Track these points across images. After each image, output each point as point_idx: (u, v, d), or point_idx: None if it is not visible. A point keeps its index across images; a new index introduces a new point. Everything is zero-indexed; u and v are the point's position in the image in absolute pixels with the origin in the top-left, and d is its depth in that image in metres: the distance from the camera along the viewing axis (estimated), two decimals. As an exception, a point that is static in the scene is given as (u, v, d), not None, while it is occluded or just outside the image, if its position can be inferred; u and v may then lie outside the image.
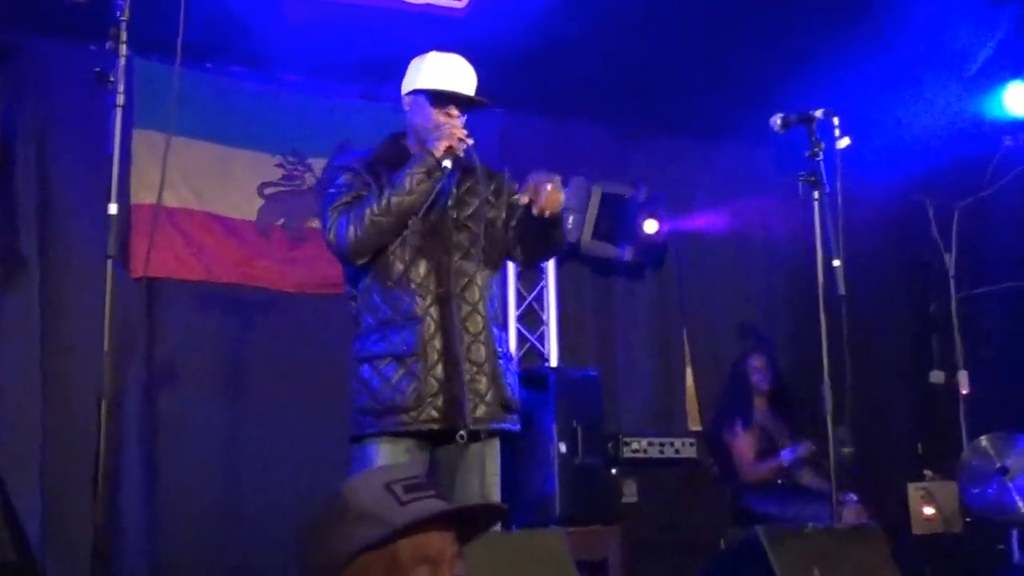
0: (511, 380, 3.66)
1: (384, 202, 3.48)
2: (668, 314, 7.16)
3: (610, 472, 5.79)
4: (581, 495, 5.54)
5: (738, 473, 6.42)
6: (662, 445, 6.08)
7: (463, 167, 3.65)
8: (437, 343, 3.50)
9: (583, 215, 6.68)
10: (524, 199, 3.49)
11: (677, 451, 6.12)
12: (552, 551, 2.98)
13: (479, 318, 3.59)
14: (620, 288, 7.08)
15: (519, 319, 6.62)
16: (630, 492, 5.85)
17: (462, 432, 3.46)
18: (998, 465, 6.22)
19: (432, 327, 3.51)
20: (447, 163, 3.50)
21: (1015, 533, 6.02)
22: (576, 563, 5.25)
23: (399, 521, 1.65)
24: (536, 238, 3.66)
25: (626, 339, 7.03)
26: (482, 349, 3.56)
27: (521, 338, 6.63)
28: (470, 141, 3.55)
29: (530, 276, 6.64)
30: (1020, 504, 6.03)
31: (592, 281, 7.01)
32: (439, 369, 3.49)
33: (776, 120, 4.49)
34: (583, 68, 5.92)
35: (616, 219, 6.78)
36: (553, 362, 6.58)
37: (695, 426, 6.98)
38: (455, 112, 3.62)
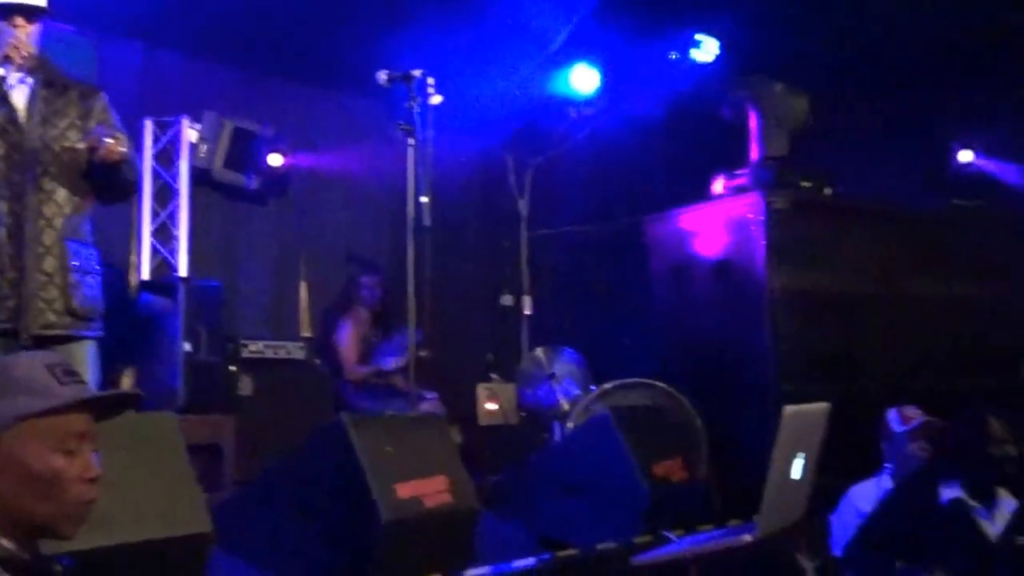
0: (88, 292, 3.56)
1: None
2: (287, 237, 7.21)
3: (228, 369, 5.83)
4: (201, 388, 5.55)
5: (342, 373, 6.62)
6: (276, 348, 6.19)
7: (51, 85, 3.52)
8: (8, 251, 3.38)
9: (215, 145, 6.63)
10: (83, 145, 3.44)
11: (289, 353, 6.23)
12: (165, 433, 3.00)
13: (53, 233, 3.46)
14: (246, 212, 7.07)
15: (153, 234, 6.47)
16: (246, 387, 5.92)
17: (26, 335, 3.37)
18: (548, 372, 6.64)
19: (5, 236, 3.39)
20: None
21: (556, 424, 6.48)
22: (195, 446, 5.30)
23: (62, 397, 1.77)
24: (97, 180, 3.56)
25: (249, 256, 7.05)
26: (53, 261, 3.45)
27: (155, 251, 6.50)
28: (31, 50, 3.44)
29: (165, 196, 6.51)
30: (562, 402, 6.45)
31: (221, 204, 6.95)
32: (10, 275, 3.38)
33: (382, 75, 4.65)
34: (219, 9, 5.82)
35: (245, 152, 6.76)
36: (182, 273, 6.49)
37: (307, 332, 7.09)
38: (20, 22, 3.46)
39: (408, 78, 4.57)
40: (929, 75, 6.94)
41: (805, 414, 2.85)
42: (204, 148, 6.51)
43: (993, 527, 3.95)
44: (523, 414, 6.88)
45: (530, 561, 3.69)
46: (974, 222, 6.70)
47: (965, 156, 7.09)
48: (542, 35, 6.70)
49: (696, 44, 6.65)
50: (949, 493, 4.03)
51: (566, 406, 6.31)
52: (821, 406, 2.89)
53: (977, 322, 6.44)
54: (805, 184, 5.96)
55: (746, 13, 6.22)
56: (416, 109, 4.56)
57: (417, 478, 3.50)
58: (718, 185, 6.12)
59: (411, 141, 4.58)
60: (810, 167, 6.09)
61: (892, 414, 4.81)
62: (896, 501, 4.32)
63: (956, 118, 7.23)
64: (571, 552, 3.89)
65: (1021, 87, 7.10)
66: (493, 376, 7.34)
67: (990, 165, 7.10)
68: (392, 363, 6.48)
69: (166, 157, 6.54)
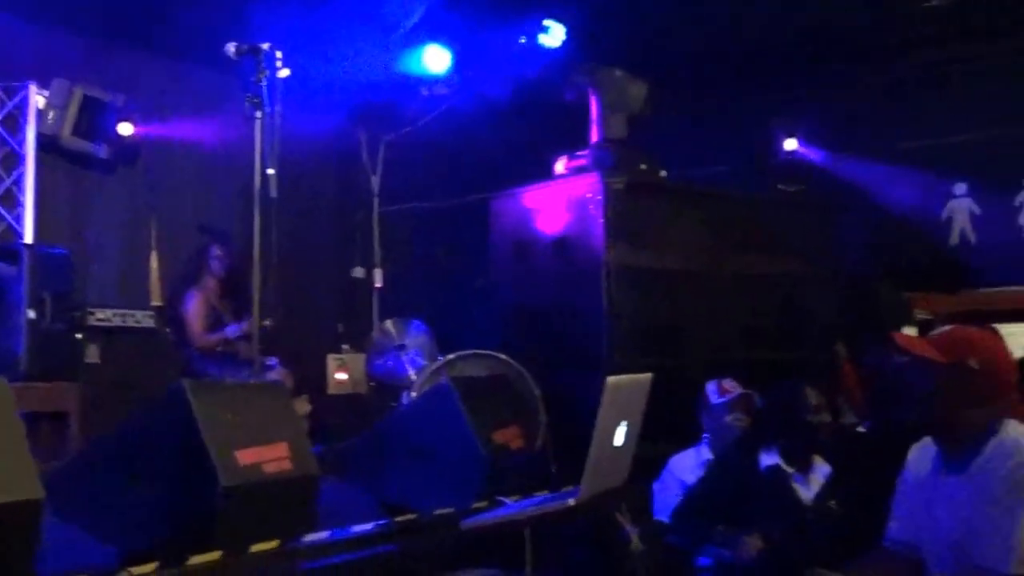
0: None
1: None
2: (137, 206, 7.00)
3: (74, 337, 5.62)
4: (46, 356, 5.35)
5: (189, 341, 6.47)
6: (125, 316, 6.01)
7: None
8: None
9: (64, 112, 6.36)
10: None
11: (138, 321, 6.07)
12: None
13: None
14: (96, 181, 6.84)
15: (-1, 200, 6.20)
16: (93, 354, 5.74)
17: None
18: (397, 343, 6.64)
19: None
20: None
21: (405, 394, 6.49)
22: (40, 414, 5.11)
23: None
24: None
25: (99, 225, 6.82)
26: None
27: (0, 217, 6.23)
28: None
29: (11, 162, 6.24)
30: (410, 372, 6.47)
31: (70, 172, 6.71)
32: None
33: (230, 47, 4.53)
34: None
35: (94, 120, 6.52)
36: (28, 239, 6.22)
37: (157, 301, 6.89)
38: None
39: (256, 51, 4.47)
40: (758, 67, 7.17)
41: (628, 384, 2.91)
42: (52, 115, 6.27)
43: (808, 492, 4.13)
44: (372, 384, 6.87)
45: (368, 527, 3.67)
46: (796, 206, 6.96)
47: (789, 144, 7.34)
48: (394, 14, 6.64)
49: (544, 29, 6.68)
50: (767, 460, 4.19)
51: (414, 376, 6.31)
52: (644, 376, 2.96)
53: (796, 299, 6.69)
54: (642, 166, 6.08)
55: (593, 2, 6.30)
56: (264, 82, 4.46)
57: (257, 445, 3.43)
58: (560, 165, 6.19)
59: (258, 114, 4.49)
60: (647, 150, 6.22)
61: (711, 387, 4.97)
62: (718, 468, 4.48)
63: (781, 108, 7.49)
64: (409, 517, 3.89)
65: (839, 81, 7.41)
66: (343, 347, 7.29)
67: (812, 153, 7.38)
68: (237, 331, 6.37)
69: (12, 123, 6.29)
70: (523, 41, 6.79)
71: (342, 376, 6.91)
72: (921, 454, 2.99)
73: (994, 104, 7.13)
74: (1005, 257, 7.11)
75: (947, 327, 3.16)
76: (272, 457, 3.48)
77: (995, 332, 4.93)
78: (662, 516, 4.59)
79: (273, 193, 4.44)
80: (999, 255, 7.14)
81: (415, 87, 7.37)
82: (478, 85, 7.00)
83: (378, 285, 7.67)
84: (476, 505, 4.05)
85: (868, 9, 6.67)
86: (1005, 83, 7.15)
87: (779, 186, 7.00)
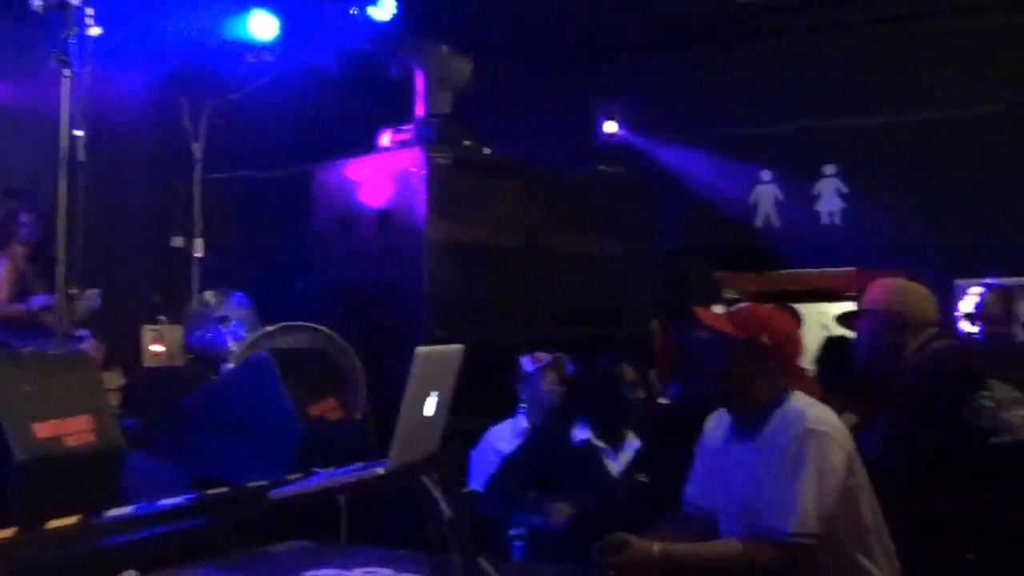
0: None
1: None
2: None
3: None
4: None
5: (-8, 310, 6.12)
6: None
7: None
8: None
9: None
10: None
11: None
12: None
13: None
14: None
15: None
16: None
17: None
18: (217, 315, 6.47)
19: None
20: None
21: (224, 366, 6.35)
22: None
23: None
24: None
25: None
26: None
27: None
28: None
29: None
30: (231, 345, 6.33)
31: None
32: None
33: (37, 1, 4.29)
34: None
35: None
36: None
37: (-40, 269, 6.48)
38: None
39: (64, 6, 4.24)
40: (583, 50, 7.31)
41: (438, 355, 2.92)
42: None
43: (617, 466, 4.25)
44: (190, 356, 6.66)
45: (177, 500, 3.57)
46: (615, 187, 7.13)
47: (610, 127, 7.52)
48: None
49: (374, 2, 6.61)
50: (580, 435, 4.29)
51: (235, 348, 6.17)
52: (455, 348, 2.97)
53: (614, 278, 6.87)
54: (466, 143, 6.10)
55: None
56: (73, 40, 4.24)
57: (58, 417, 3.29)
58: (385, 139, 6.14)
59: (67, 72, 4.26)
60: (471, 127, 6.24)
61: (524, 359, 5.07)
62: (532, 438, 4.57)
63: (604, 91, 7.67)
64: (220, 490, 3.80)
65: (660, 69, 7.63)
66: (160, 318, 7.03)
67: (631, 136, 7.59)
68: (44, 302, 6.06)
69: None
70: (354, 12, 6.70)
71: (158, 348, 6.66)
72: (717, 423, 3.14)
73: (797, 98, 7.51)
74: (804, 241, 7.51)
75: (744, 304, 3.33)
76: (74, 430, 3.34)
77: (789, 311, 5.22)
78: (478, 486, 4.66)
79: (81, 156, 4.23)
80: (799, 239, 7.54)
81: (241, 53, 7.16)
82: (306, 54, 6.86)
83: (198, 255, 7.42)
84: (291, 477, 4.00)
85: (688, 3, 6.90)
86: (808, 79, 7.53)
87: (599, 167, 7.16)
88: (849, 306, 5.40)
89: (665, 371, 5.92)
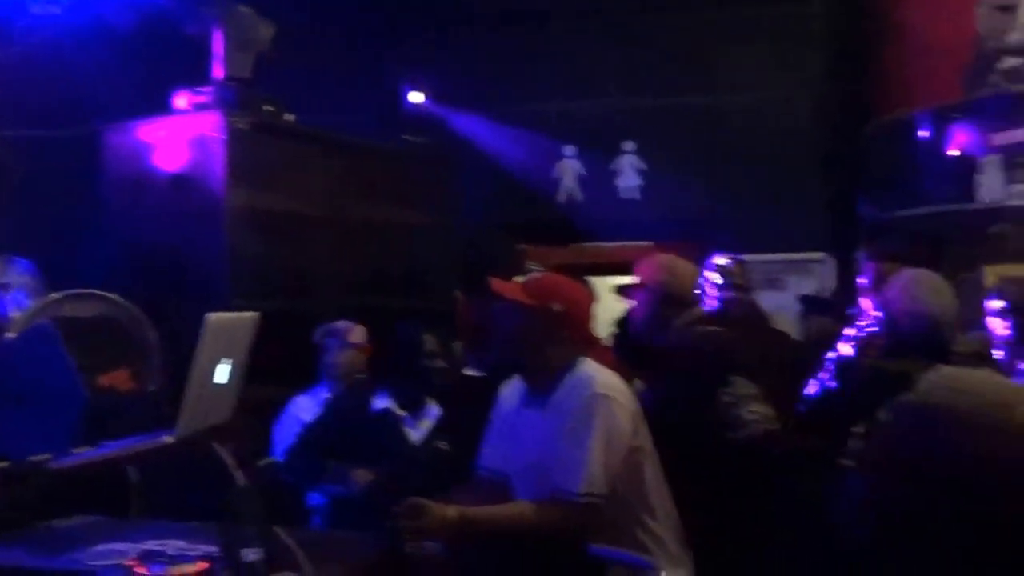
0: None
1: None
2: None
3: None
4: None
5: None
6: None
7: None
8: None
9: None
10: None
11: None
12: None
13: None
14: None
15: None
16: None
17: None
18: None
19: None
20: None
21: (3, 336, 6.02)
22: None
23: None
24: None
25: None
26: None
27: None
28: None
29: None
30: (12, 313, 5.99)
31: None
32: None
33: None
34: None
35: None
36: None
37: None
38: None
39: None
40: (389, 18, 7.26)
41: (231, 322, 2.89)
42: None
43: (417, 433, 4.30)
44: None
45: (-50, 476, 3.38)
46: (420, 158, 7.15)
47: (416, 97, 7.51)
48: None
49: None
50: (380, 403, 4.32)
51: (17, 318, 5.85)
52: (249, 315, 2.94)
53: (419, 249, 6.90)
54: (267, 108, 5.96)
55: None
56: None
57: None
58: (181, 100, 5.91)
59: None
60: (272, 93, 6.11)
61: (326, 328, 5.05)
62: (332, 409, 4.56)
63: (410, 60, 7.65)
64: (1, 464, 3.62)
65: (467, 40, 7.68)
66: (-69, 285, 6.58)
67: (437, 108, 7.61)
68: None
69: None
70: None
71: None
72: (511, 390, 3.24)
73: (600, 76, 7.73)
74: (605, 216, 7.76)
75: (538, 274, 3.43)
76: None
77: (583, 283, 5.40)
78: (280, 456, 4.62)
79: None
80: (601, 214, 7.78)
81: (24, 3, 6.75)
82: (96, 6, 6.52)
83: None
84: (77, 450, 3.85)
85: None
86: (610, 58, 7.76)
87: (404, 137, 7.16)
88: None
89: (468, 342, 6.02)
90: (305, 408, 4.93)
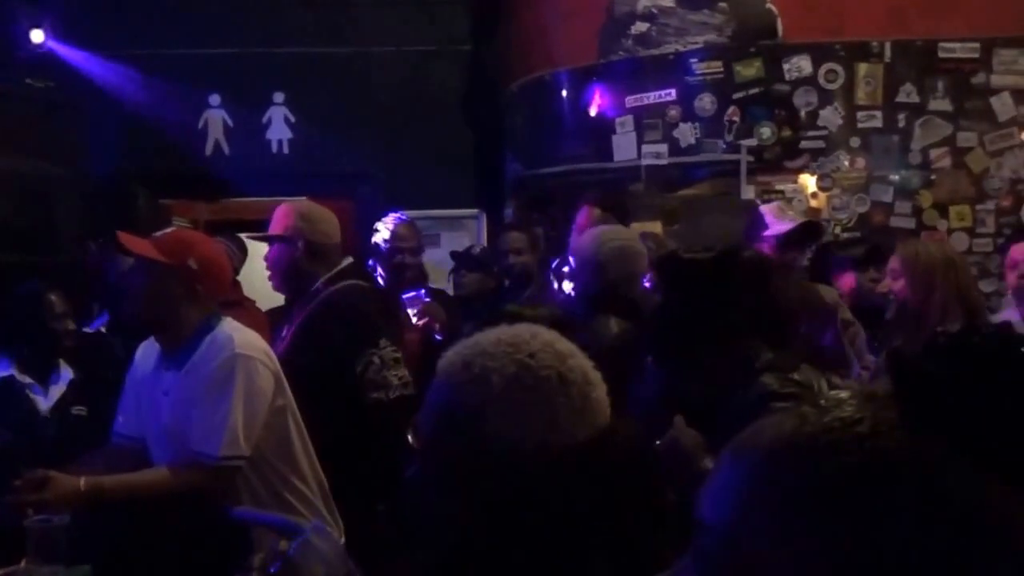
0: None
1: None
2: None
3: None
4: None
5: None
6: None
7: None
8: None
9: None
10: None
11: None
12: None
13: None
14: None
15: None
16: None
17: None
18: None
19: None
20: None
21: None
22: None
23: None
24: None
25: None
26: None
27: None
28: None
29: None
30: None
31: None
32: None
33: None
34: None
35: None
36: None
37: None
38: None
39: None
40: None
41: None
42: None
43: (46, 401, 4.04)
44: None
45: None
46: (44, 103, 6.64)
47: (37, 36, 6.90)
48: None
49: None
50: (2, 370, 4.01)
51: None
52: None
53: (45, 201, 6.46)
54: None
55: None
56: None
57: None
58: None
59: None
60: None
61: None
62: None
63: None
64: None
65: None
66: None
67: (64, 49, 7.05)
68: None
69: None
70: None
71: None
72: (146, 351, 3.13)
73: (247, 22, 7.50)
74: (255, 170, 7.57)
75: (170, 229, 3.31)
76: None
77: (237, 242, 5.26)
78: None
79: None
80: (251, 168, 7.59)
81: None
82: None
83: None
84: None
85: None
86: (258, 2, 7.54)
87: (26, 80, 6.60)
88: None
89: (103, 300, 5.71)
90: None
